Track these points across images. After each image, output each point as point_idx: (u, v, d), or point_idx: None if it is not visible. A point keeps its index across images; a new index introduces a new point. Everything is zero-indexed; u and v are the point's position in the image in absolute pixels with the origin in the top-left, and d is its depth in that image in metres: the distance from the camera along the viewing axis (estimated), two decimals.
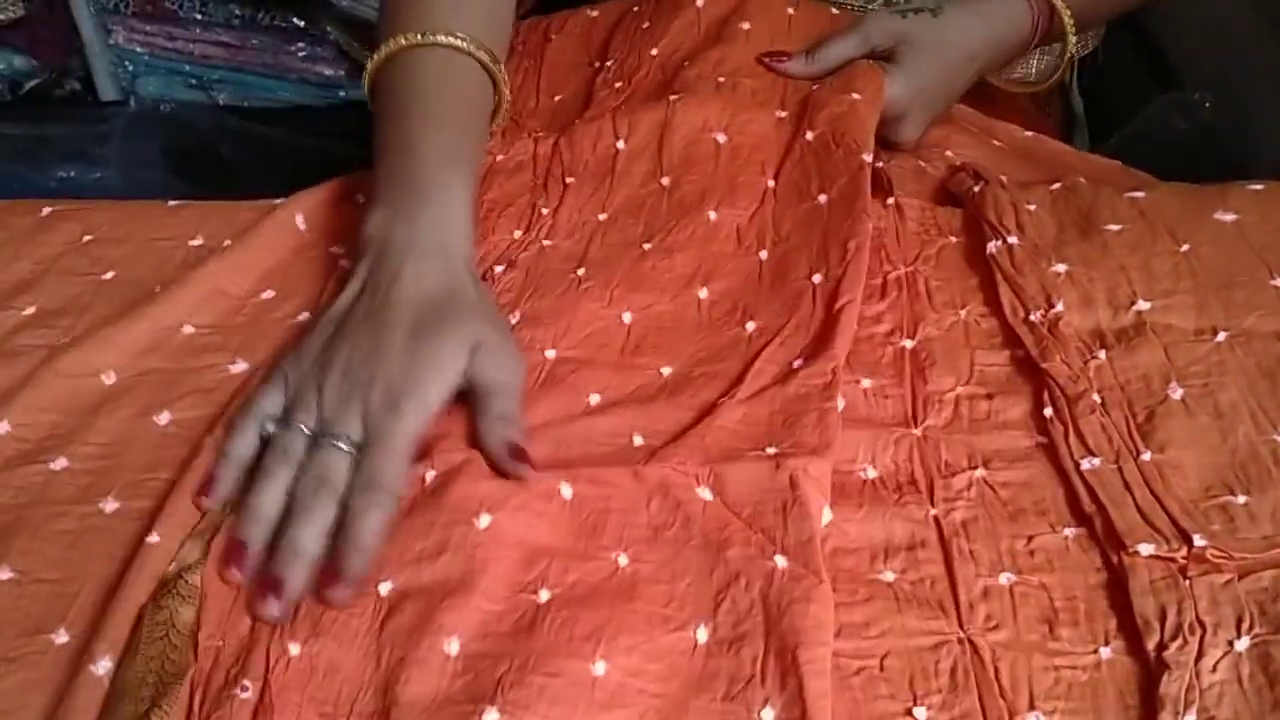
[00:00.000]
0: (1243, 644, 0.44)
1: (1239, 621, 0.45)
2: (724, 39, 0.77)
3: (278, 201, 0.68)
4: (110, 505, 0.53)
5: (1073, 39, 0.80)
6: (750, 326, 0.60)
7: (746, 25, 0.78)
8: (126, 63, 1.58)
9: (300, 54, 1.54)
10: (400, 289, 0.55)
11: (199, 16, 1.54)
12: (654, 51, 0.78)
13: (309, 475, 0.50)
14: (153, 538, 0.50)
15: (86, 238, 0.67)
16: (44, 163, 1.38)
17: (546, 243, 0.66)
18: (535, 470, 0.51)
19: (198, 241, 0.67)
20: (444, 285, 0.56)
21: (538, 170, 0.72)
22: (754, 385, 0.55)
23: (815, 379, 0.55)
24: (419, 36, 0.64)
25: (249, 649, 0.46)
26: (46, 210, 0.69)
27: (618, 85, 0.76)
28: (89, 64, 1.57)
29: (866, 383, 0.57)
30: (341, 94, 1.55)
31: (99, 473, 0.54)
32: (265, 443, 0.52)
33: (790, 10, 0.80)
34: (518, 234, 0.67)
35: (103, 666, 0.45)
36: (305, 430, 0.52)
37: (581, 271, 0.63)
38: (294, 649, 0.45)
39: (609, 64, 0.80)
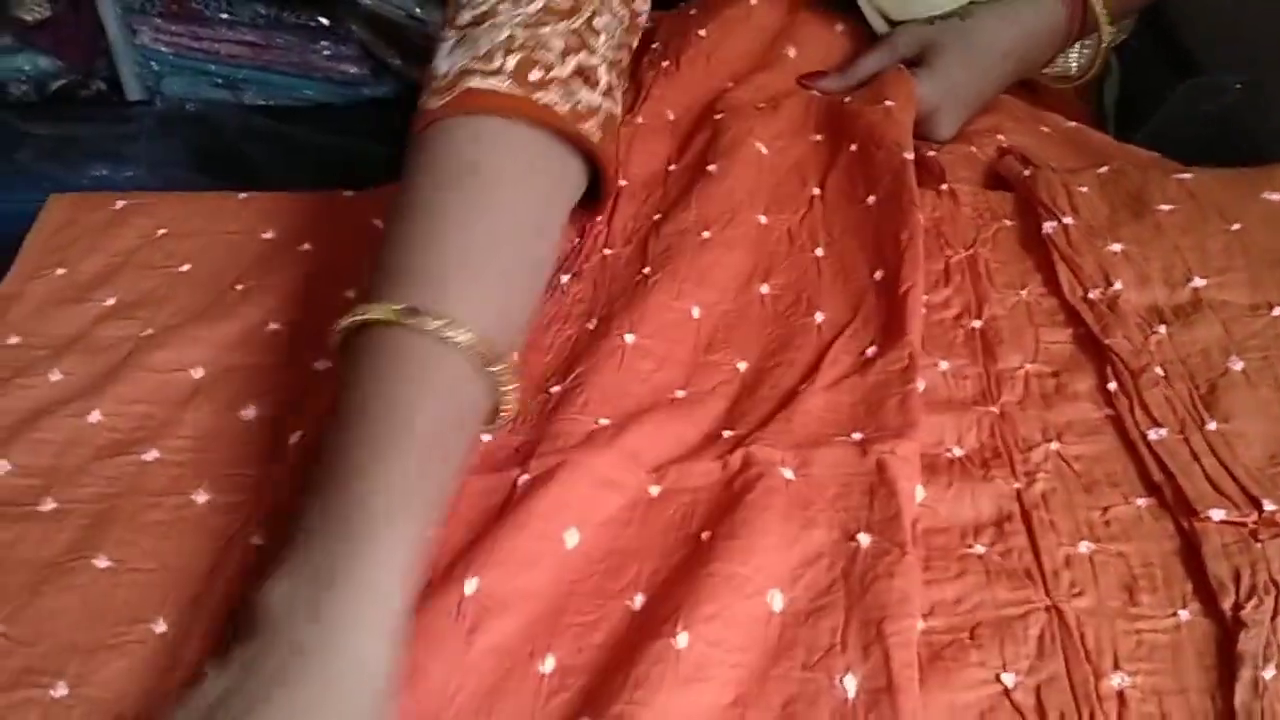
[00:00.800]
0: None
1: None
2: (770, 64, 0.78)
3: (347, 194, 0.70)
4: (202, 497, 0.54)
5: (1108, 30, 0.81)
6: (819, 317, 0.61)
7: (792, 52, 0.79)
8: (152, 62, 1.59)
9: (325, 53, 1.55)
10: None
11: (224, 16, 1.56)
12: (701, 33, 0.79)
13: None
14: (255, 539, 0.51)
15: (160, 231, 0.69)
16: (75, 162, 1.40)
17: (607, 252, 0.66)
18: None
19: (269, 235, 0.69)
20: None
21: None
22: (831, 374, 0.57)
23: (894, 364, 0.56)
24: (400, 314, 0.49)
25: None
26: (120, 204, 0.71)
27: (664, 64, 0.77)
28: (115, 64, 1.59)
29: (944, 365, 0.59)
30: (365, 92, 1.56)
31: (189, 465, 0.56)
32: None
33: (838, 27, 0.81)
34: (575, 241, 0.67)
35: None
36: None
37: (646, 269, 0.64)
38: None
39: (654, 45, 0.81)
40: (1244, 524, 0.49)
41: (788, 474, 0.52)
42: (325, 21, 1.52)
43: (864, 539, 0.49)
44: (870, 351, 0.58)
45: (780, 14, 0.81)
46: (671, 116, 0.75)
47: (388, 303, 0.48)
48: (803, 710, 0.44)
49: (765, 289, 0.63)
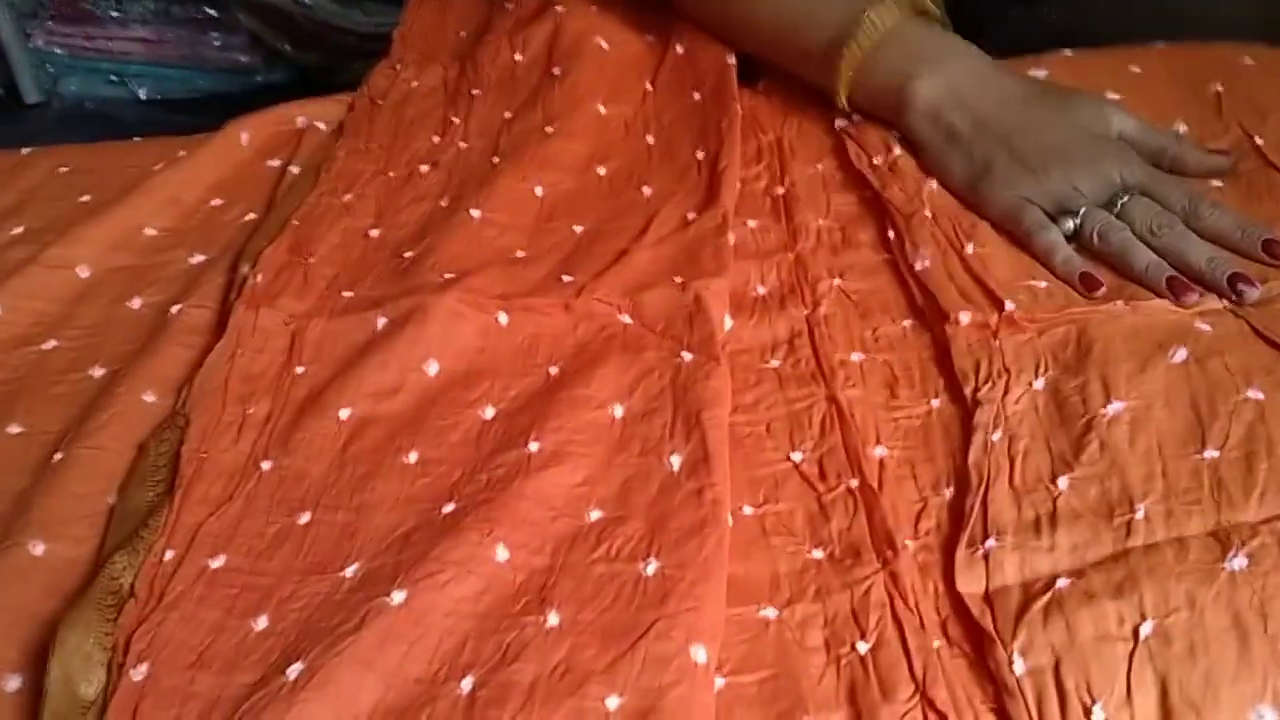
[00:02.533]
0: (1039, 383, 0.56)
1: (1037, 367, 0.56)
2: None
3: (226, 125, 0.78)
4: (98, 371, 0.61)
5: None
6: (646, 191, 0.70)
7: None
8: (48, 65, 1.63)
9: (215, 44, 1.60)
10: None
11: (115, 14, 1.60)
12: None
13: None
14: (149, 397, 0.59)
15: (62, 169, 0.76)
16: None
17: (462, 144, 0.76)
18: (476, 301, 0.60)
19: (159, 167, 0.76)
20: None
21: (447, 90, 0.82)
22: (658, 233, 0.66)
23: (709, 223, 0.66)
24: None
25: (226, 469, 0.55)
26: (26, 151, 0.78)
27: (509, 6, 0.87)
28: (11, 69, 1.63)
29: (753, 223, 0.68)
30: (259, 79, 1.61)
31: (85, 349, 0.63)
32: None
33: None
34: (435, 139, 0.77)
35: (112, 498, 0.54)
36: None
37: (496, 159, 0.73)
38: (265, 465, 0.55)
39: None
40: (987, 325, 0.58)
41: (625, 319, 0.60)
42: (214, 13, 1.58)
43: (686, 355, 0.58)
44: (690, 216, 0.67)
45: None
46: (509, 22, 0.84)
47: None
48: (637, 485, 0.52)
49: (602, 170, 0.72)
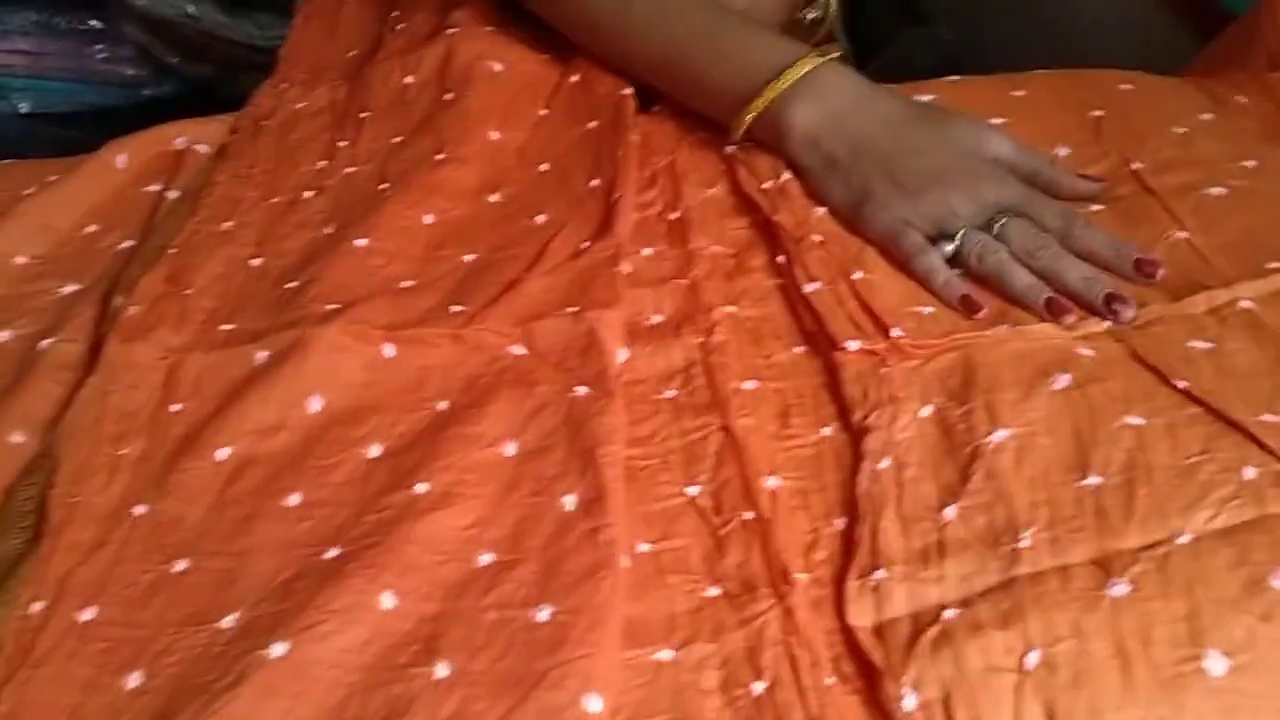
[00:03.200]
0: (926, 411, 0.56)
1: (923, 394, 0.57)
2: None
3: (102, 148, 0.75)
4: None
5: None
6: (539, 219, 0.69)
7: None
8: None
9: (100, 56, 1.56)
10: None
11: None
12: None
13: None
14: (16, 437, 0.56)
15: None
16: None
17: (349, 169, 0.74)
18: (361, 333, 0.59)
19: (30, 191, 0.73)
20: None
21: (335, 112, 0.80)
22: (550, 262, 0.65)
23: (602, 253, 0.65)
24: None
25: (98, 514, 0.53)
26: None
27: (399, 27, 0.85)
28: None
29: (647, 251, 0.68)
30: (146, 93, 1.57)
31: None
32: None
33: None
34: (321, 164, 0.75)
35: None
36: None
37: (384, 186, 0.71)
38: (139, 510, 0.53)
39: (394, 13, 0.89)
40: (874, 352, 0.59)
41: (517, 350, 0.59)
42: (99, 25, 1.54)
43: (580, 390, 0.56)
44: (584, 245, 0.66)
45: None
46: (403, 29, 0.83)
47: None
48: (530, 526, 0.51)
49: (495, 198, 0.71)
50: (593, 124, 0.76)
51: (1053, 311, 0.59)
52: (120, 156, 0.73)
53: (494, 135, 0.75)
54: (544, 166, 0.74)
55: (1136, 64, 0.82)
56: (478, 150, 0.74)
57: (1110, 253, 0.62)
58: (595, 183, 0.71)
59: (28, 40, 1.56)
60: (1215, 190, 0.67)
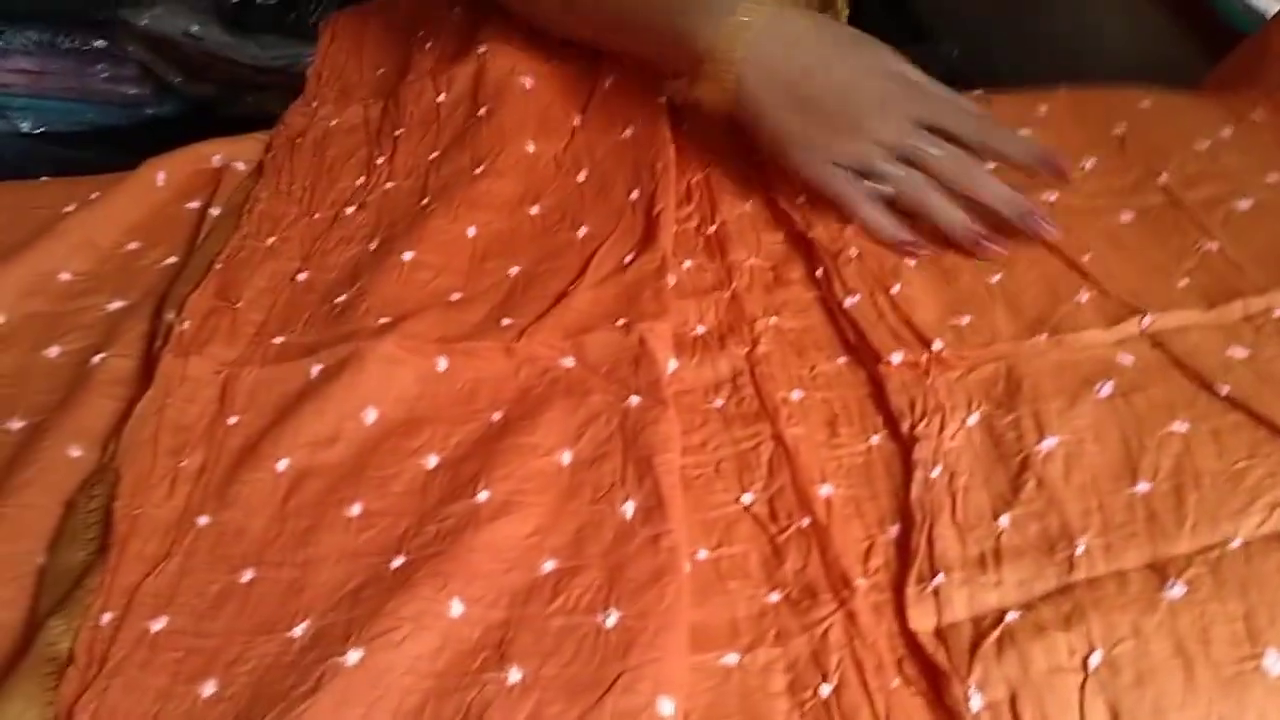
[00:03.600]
0: (973, 419, 0.57)
1: (969, 403, 0.58)
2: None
3: (141, 166, 0.75)
4: (17, 424, 0.59)
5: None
6: (582, 232, 0.70)
7: None
8: None
9: (103, 75, 1.56)
10: None
11: None
12: (456, 9, 0.88)
13: None
14: (74, 451, 0.57)
15: None
16: None
17: (388, 185, 0.75)
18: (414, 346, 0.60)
19: (71, 208, 0.73)
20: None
21: (370, 129, 0.81)
22: (596, 275, 0.66)
23: (648, 266, 0.65)
24: None
25: (161, 525, 0.53)
26: None
27: (428, 46, 0.86)
28: None
29: (688, 263, 0.68)
30: (148, 112, 1.57)
31: (2, 401, 0.60)
32: None
33: None
34: (360, 180, 0.76)
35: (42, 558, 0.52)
36: None
37: (425, 200, 0.72)
38: (203, 521, 0.53)
39: (420, 33, 0.90)
40: (918, 364, 0.60)
41: (568, 362, 0.60)
42: (101, 44, 1.54)
43: (634, 399, 0.57)
44: (628, 258, 0.67)
45: None
46: (431, 48, 0.84)
47: None
48: (591, 533, 0.52)
49: (535, 210, 0.72)
50: (628, 131, 0.77)
51: (975, 251, 0.64)
52: (160, 174, 0.74)
53: (530, 147, 0.76)
54: (581, 176, 0.75)
55: (1146, 80, 0.83)
56: (514, 163, 0.75)
57: (1024, 155, 0.67)
58: (635, 195, 0.71)
59: (30, 59, 1.57)
60: (1243, 203, 0.68)
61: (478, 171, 0.73)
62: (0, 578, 0.51)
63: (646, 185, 0.71)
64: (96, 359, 0.61)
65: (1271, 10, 0.90)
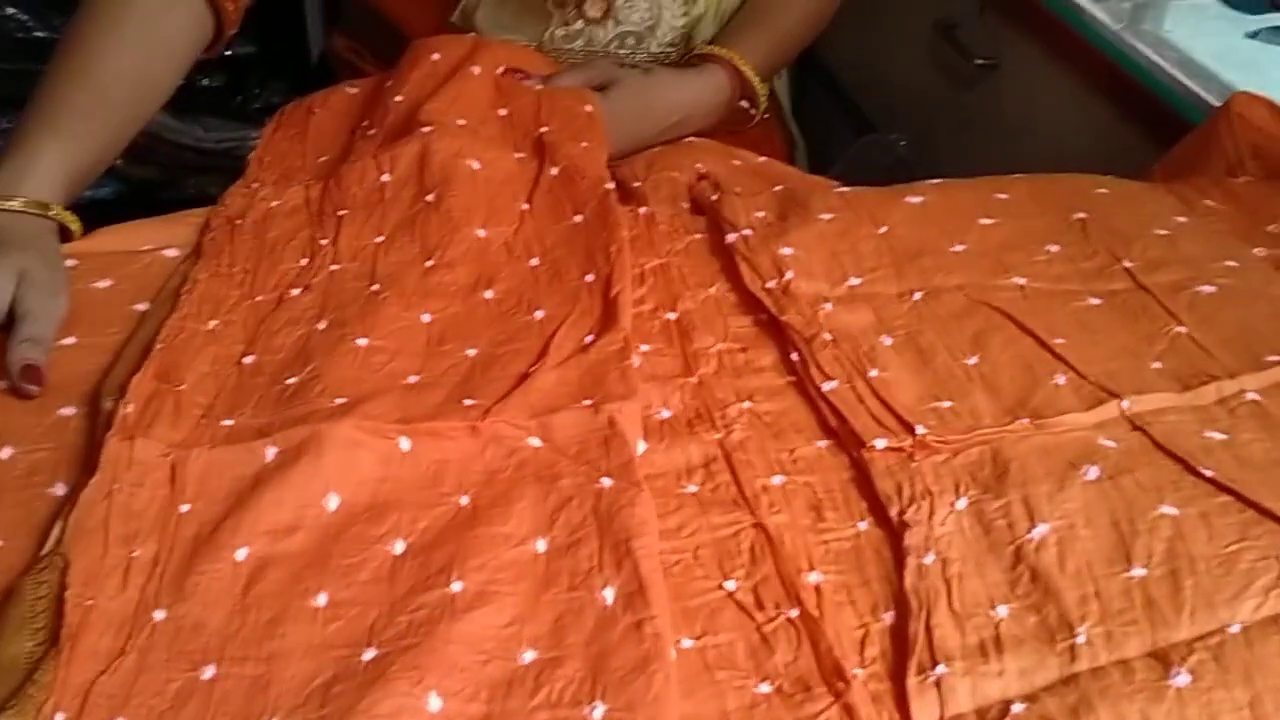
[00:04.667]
0: (961, 504, 0.56)
1: (957, 487, 0.57)
2: (457, 78, 0.87)
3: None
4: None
5: (762, 92, 0.99)
6: (539, 314, 0.68)
7: (476, 69, 0.88)
8: None
9: None
10: None
11: None
12: (398, 98, 0.87)
13: None
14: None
15: None
16: None
17: (334, 267, 0.72)
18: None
19: None
20: (2, 223, 0.68)
21: (311, 210, 0.79)
22: (558, 356, 0.64)
23: (610, 346, 0.64)
24: None
25: (115, 619, 0.50)
26: None
27: (370, 133, 0.85)
28: None
29: (645, 348, 0.67)
30: (86, 194, 1.55)
31: None
32: None
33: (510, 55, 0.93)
34: (304, 261, 0.73)
35: None
36: None
37: (375, 287, 0.70)
38: (159, 615, 0.50)
39: (364, 122, 0.88)
40: (902, 449, 0.59)
41: (535, 442, 0.58)
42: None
43: (606, 481, 0.55)
44: (589, 339, 0.65)
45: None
46: (374, 134, 0.82)
47: None
48: (571, 621, 0.49)
49: (490, 294, 0.70)
50: (578, 218, 0.76)
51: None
52: (104, 281, 0.71)
53: (480, 233, 0.74)
54: (534, 261, 0.73)
55: (1089, 168, 0.85)
56: (465, 250, 0.73)
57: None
58: (590, 277, 0.70)
59: None
60: (1205, 288, 0.69)
61: (429, 264, 0.71)
62: None
63: (602, 268, 0.70)
64: (4, 454, 0.58)
65: (1216, 99, 0.92)
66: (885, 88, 1.42)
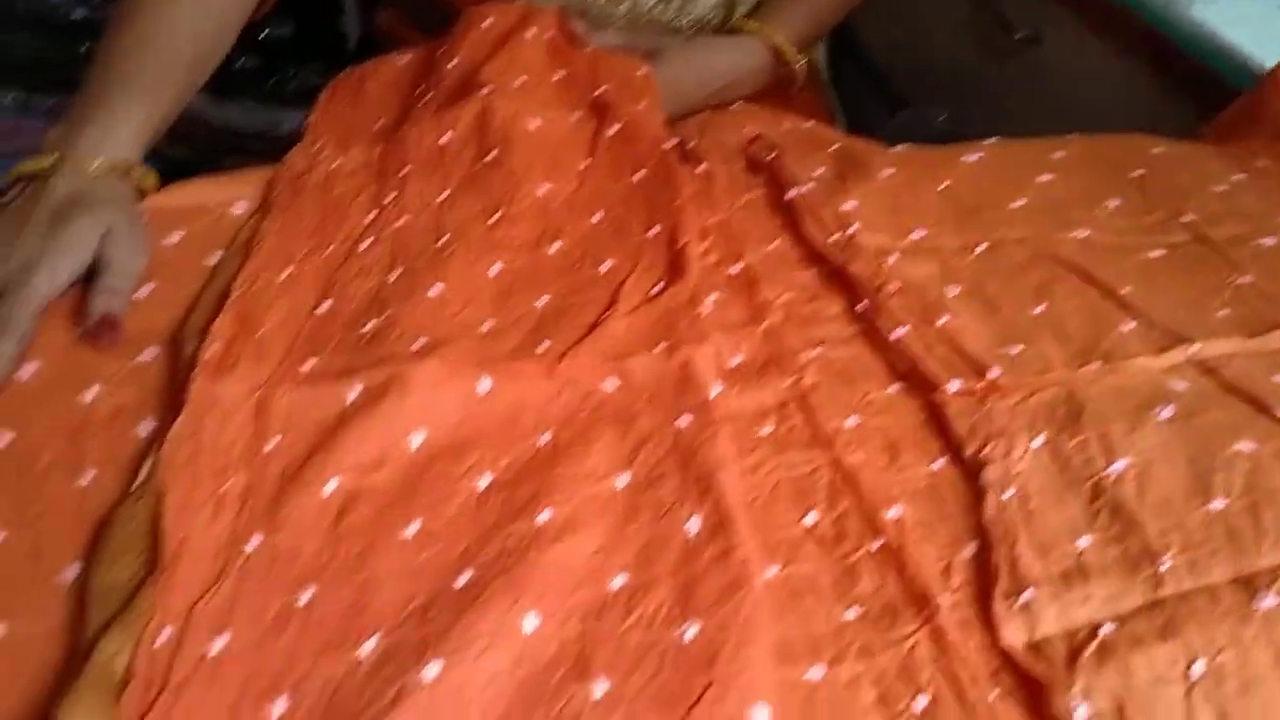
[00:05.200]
0: (1037, 442, 0.57)
1: (1032, 427, 0.57)
2: (511, 42, 0.87)
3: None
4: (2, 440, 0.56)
5: (799, 60, 1.00)
6: (605, 267, 0.69)
7: (529, 33, 0.88)
8: None
9: None
10: (49, 185, 0.68)
11: None
12: (453, 63, 0.87)
13: None
14: (81, 480, 0.54)
15: None
16: None
17: (400, 222, 0.73)
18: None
19: None
20: (87, 182, 0.69)
21: (373, 169, 0.79)
22: (627, 305, 0.64)
23: (679, 296, 0.64)
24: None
25: (210, 548, 0.50)
26: None
27: (427, 96, 0.85)
28: None
29: (713, 297, 0.67)
30: None
31: None
32: None
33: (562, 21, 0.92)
34: (370, 216, 0.74)
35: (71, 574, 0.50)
36: None
37: (442, 240, 0.70)
38: (252, 544, 0.50)
39: (419, 88, 0.89)
40: (974, 392, 0.59)
41: (610, 385, 0.59)
42: None
43: (683, 421, 0.56)
44: (656, 290, 0.66)
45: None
46: (432, 97, 0.83)
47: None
48: (656, 551, 0.50)
49: (554, 249, 0.71)
50: (639, 175, 0.76)
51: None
52: (175, 235, 0.72)
53: (541, 190, 0.75)
54: (596, 217, 0.74)
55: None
56: (528, 206, 0.74)
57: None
58: (655, 231, 0.71)
59: (6, 118, 1.54)
60: (1267, 240, 0.69)
61: (492, 221, 0.72)
62: (24, 597, 0.48)
63: (665, 222, 0.71)
64: (90, 395, 0.59)
65: (1263, 62, 0.92)
66: (922, 64, 1.42)
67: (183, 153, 1.54)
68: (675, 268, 0.67)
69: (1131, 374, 0.60)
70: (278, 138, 1.05)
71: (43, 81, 1.52)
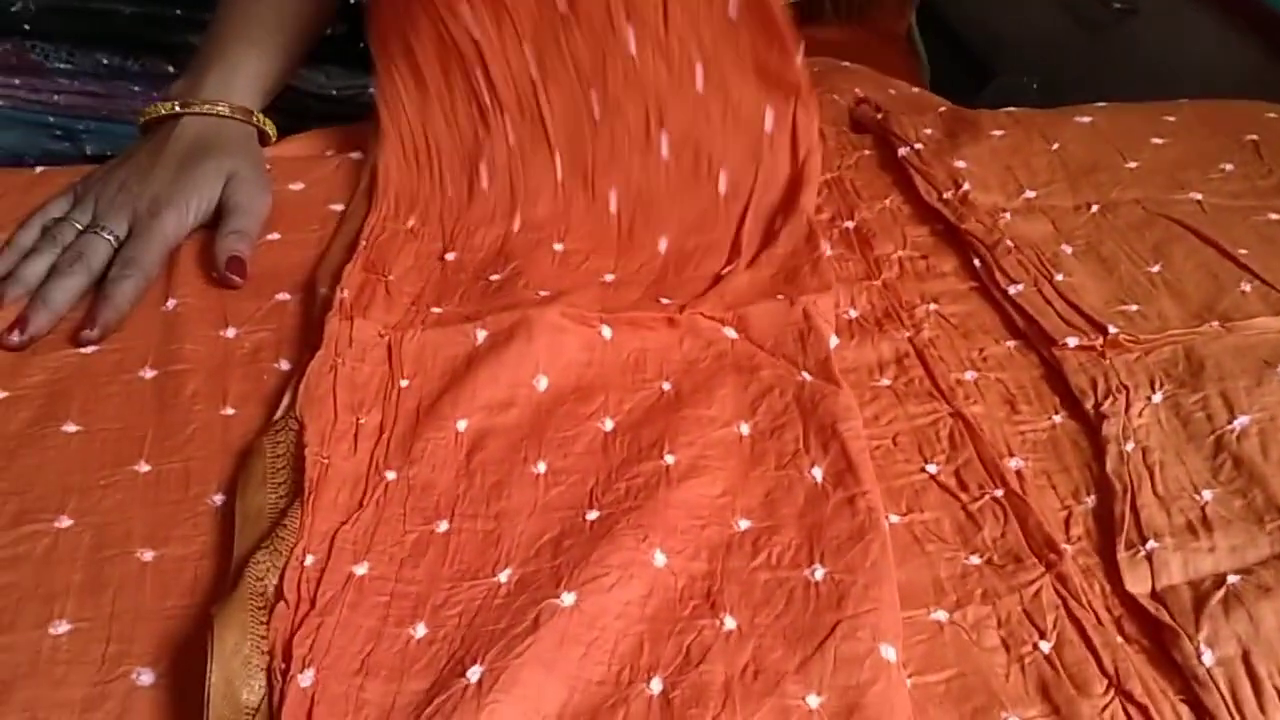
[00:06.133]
0: (1157, 398, 0.57)
1: (1151, 383, 0.57)
2: None
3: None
4: (149, 373, 0.59)
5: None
6: (723, 184, 0.69)
7: None
8: None
9: None
10: (177, 129, 0.70)
11: (64, 66, 1.55)
12: None
13: (70, 252, 0.63)
14: (226, 410, 0.56)
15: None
16: None
17: (511, 140, 0.72)
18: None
19: None
20: (212, 128, 0.71)
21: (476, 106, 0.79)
22: (748, 255, 0.65)
23: (798, 231, 0.65)
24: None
25: (350, 477, 0.52)
26: (39, 170, 0.74)
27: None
28: None
29: (828, 250, 0.68)
30: None
31: (125, 350, 0.60)
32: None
33: None
34: (481, 134, 0.73)
35: (218, 499, 0.52)
36: (78, 226, 0.65)
37: (556, 161, 0.70)
38: (390, 475, 0.52)
39: None
40: (1093, 347, 0.59)
41: (730, 333, 0.60)
42: (171, 69, 1.54)
43: (805, 375, 0.57)
44: (777, 223, 0.66)
45: None
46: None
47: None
48: (781, 496, 0.51)
49: (665, 144, 0.70)
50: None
51: None
52: (298, 183, 0.74)
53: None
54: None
55: None
56: (631, 81, 0.70)
57: None
58: (769, 125, 0.70)
59: (98, 83, 1.56)
60: None
61: (596, 110, 0.70)
62: (174, 521, 0.51)
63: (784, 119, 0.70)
64: (230, 333, 0.61)
65: None
66: (1011, 35, 1.41)
67: (275, 119, 1.57)
68: (792, 187, 0.68)
69: (1251, 333, 0.60)
70: (364, 103, 1.06)
71: (138, 45, 1.54)
